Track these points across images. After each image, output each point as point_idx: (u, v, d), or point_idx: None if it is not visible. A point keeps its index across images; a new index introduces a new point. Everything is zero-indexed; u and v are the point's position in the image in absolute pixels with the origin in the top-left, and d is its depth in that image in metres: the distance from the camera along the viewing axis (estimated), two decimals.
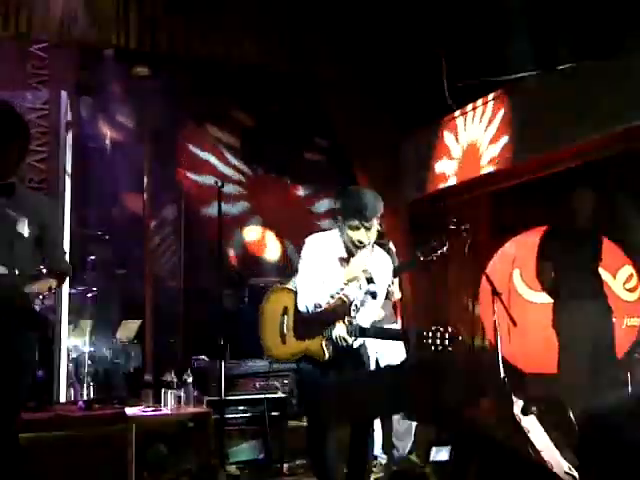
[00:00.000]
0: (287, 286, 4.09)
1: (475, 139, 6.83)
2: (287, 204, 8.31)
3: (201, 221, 6.88)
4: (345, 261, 3.77)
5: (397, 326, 5.37)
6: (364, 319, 3.82)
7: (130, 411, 5.06)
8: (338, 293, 3.71)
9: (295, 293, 3.88)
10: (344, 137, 7.67)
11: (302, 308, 3.77)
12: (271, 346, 4.03)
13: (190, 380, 5.33)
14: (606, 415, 3.38)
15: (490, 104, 6.67)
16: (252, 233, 8.10)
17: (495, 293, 5.11)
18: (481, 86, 6.74)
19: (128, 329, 6.39)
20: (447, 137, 7.26)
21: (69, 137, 5.98)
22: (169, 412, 5.04)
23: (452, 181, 7.15)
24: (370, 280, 3.69)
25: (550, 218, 5.69)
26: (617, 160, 5.86)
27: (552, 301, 5.39)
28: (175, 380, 5.27)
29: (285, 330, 3.93)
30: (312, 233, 3.93)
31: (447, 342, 3.48)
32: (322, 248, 3.82)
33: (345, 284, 3.69)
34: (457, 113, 7.12)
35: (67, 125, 5.94)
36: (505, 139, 6.42)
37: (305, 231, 4.09)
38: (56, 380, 5.47)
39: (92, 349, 5.86)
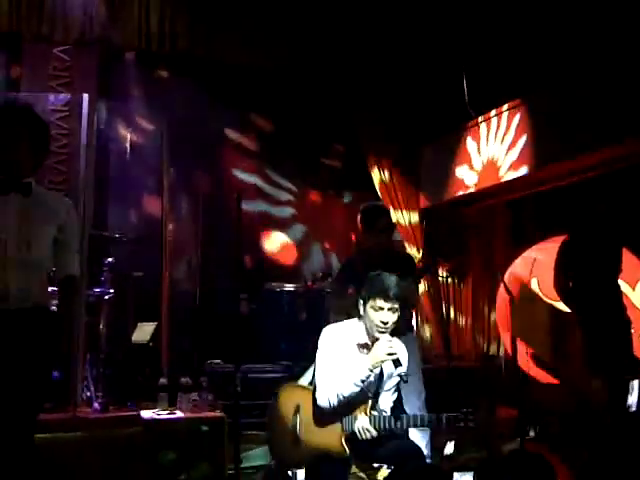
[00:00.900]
0: (299, 383, 3.93)
1: (494, 148, 6.81)
2: (305, 210, 8.32)
3: (220, 225, 6.85)
4: (366, 347, 3.65)
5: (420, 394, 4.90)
6: (386, 405, 3.67)
7: (145, 414, 5.08)
8: (364, 381, 3.51)
9: (307, 390, 3.75)
10: (363, 143, 7.67)
11: (324, 403, 3.56)
12: (281, 450, 3.79)
13: (205, 384, 5.34)
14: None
15: (508, 113, 6.65)
16: (272, 239, 8.12)
17: (513, 302, 5.07)
18: (500, 94, 6.74)
19: (144, 331, 6.40)
20: (466, 145, 7.25)
21: (89, 139, 6.00)
22: (183, 416, 5.04)
23: (470, 189, 7.13)
24: (397, 362, 3.53)
25: (569, 228, 5.66)
26: (637, 170, 5.82)
27: (569, 311, 5.35)
28: (190, 384, 5.27)
29: (298, 431, 3.65)
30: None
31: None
32: (340, 336, 3.71)
33: (371, 370, 3.52)
34: (477, 121, 7.10)
35: (88, 127, 5.97)
36: (524, 147, 6.40)
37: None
38: (72, 381, 5.49)
39: (108, 351, 5.87)
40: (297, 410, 3.69)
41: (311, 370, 3.87)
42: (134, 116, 7.03)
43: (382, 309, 3.55)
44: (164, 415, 5.03)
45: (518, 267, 6.64)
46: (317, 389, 3.62)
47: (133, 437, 4.76)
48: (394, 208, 7.52)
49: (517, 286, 6.35)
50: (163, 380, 5.49)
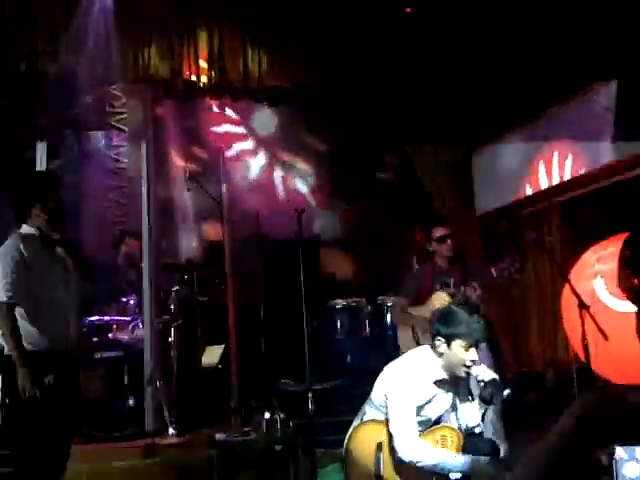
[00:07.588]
0: (374, 418, 3.60)
1: (546, 150, 6.76)
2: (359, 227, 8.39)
3: (282, 246, 6.91)
4: (444, 383, 3.52)
5: None
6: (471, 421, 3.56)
7: (219, 436, 5.17)
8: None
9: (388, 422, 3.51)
10: (415, 154, 7.70)
11: (410, 457, 3.36)
12: None
13: (276, 404, 5.39)
14: None
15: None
16: (329, 253, 8.17)
17: (583, 306, 4.94)
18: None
19: (212, 354, 6.49)
20: (518, 149, 7.21)
21: (149, 171, 6.14)
22: (257, 437, 5.11)
23: (526, 192, 7.08)
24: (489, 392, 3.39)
25: (631, 224, 5.57)
26: None
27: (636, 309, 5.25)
28: (261, 404, 5.33)
29: (382, 469, 3.41)
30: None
31: None
32: (414, 377, 3.50)
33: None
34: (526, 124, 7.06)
35: (147, 160, 6.11)
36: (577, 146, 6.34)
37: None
38: (146, 408, 5.61)
39: (179, 376, 5.98)
40: (379, 448, 3.47)
41: (375, 403, 3.66)
42: (191, 145, 7.17)
43: (471, 347, 3.41)
44: (237, 437, 5.11)
45: (582, 268, 6.54)
46: (398, 441, 3.41)
47: (209, 460, 4.83)
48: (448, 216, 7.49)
49: (583, 287, 6.24)
50: (234, 402, 5.57)
